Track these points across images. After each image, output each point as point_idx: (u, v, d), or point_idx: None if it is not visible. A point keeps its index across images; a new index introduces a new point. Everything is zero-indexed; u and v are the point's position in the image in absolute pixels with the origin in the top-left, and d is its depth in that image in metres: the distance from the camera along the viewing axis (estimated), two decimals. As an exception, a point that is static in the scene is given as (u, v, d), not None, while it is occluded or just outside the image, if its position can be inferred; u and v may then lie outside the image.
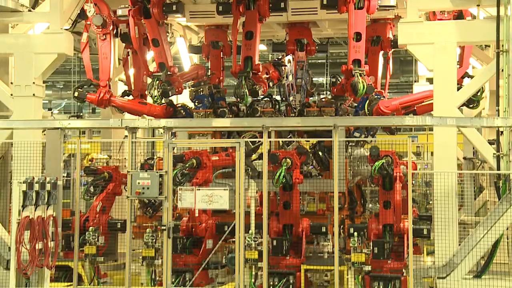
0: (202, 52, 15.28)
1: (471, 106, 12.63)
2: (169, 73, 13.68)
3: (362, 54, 12.84)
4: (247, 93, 12.88)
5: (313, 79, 15.89)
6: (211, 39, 15.09)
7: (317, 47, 15.07)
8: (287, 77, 13.72)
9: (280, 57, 15.01)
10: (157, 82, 13.57)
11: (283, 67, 14.26)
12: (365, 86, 12.63)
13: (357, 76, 12.58)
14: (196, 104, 14.17)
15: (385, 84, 15.15)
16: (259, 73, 13.29)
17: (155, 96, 13.56)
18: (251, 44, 13.05)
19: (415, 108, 12.92)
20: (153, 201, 13.20)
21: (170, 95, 13.76)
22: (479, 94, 12.38)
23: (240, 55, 13.44)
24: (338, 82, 14.34)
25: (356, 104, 13.47)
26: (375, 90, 13.31)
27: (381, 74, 14.83)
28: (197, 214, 11.78)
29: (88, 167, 13.51)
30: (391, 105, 12.81)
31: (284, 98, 14.38)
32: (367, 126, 13.07)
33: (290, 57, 14.59)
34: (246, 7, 13.05)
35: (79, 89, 14.04)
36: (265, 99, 14.14)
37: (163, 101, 13.90)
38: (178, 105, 14.37)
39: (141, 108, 14.03)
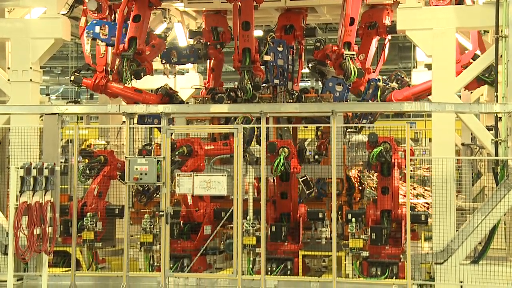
0: (203, 38, 15.18)
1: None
2: (138, 52, 13.15)
3: (353, 37, 12.86)
4: (251, 87, 12.86)
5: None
6: (211, 24, 15.00)
7: (304, 32, 15.00)
8: (267, 53, 13.47)
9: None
10: (127, 61, 12.97)
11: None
12: (356, 72, 12.65)
13: (348, 60, 12.58)
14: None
15: (376, 68, 15.16)
16: (257, 63, 13.27)
17: (126, 77, 13.04)
18: (248, 35, 12.99)
19: (427, 96, 12.88)
20: (147, 188, 13.16)
21: (142, 76, 13.41)
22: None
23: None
24: (322, 47, 14.32)
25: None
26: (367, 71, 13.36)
27: (371, 59, 14.79)
28: (190, 202, 11.78)
29: (85, 149, 13.45)
30: (403, 96, 12.77)
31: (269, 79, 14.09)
32: (366, 112, 13.08)
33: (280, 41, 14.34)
34: None
35: (76, 73, 13.91)
36: (264, 85, 14.09)
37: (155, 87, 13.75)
38: (175, 91, 14.28)
39: (136, 96, 13.85)
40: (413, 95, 12.85)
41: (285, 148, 11.40)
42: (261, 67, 13.37)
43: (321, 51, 14.11)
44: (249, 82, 12.82)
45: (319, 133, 14.44)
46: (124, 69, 12.95)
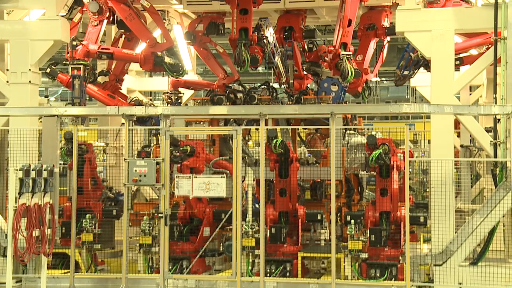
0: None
1: None
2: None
3: (350, 38, 12.90)
4: (248, 58, 12.61)
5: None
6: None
7: (304, 34, 15.00)
8: (273, 45, 13.39)
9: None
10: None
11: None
12: (353, 72, 12.67)
13: (345, 60, 12.59)
14: None
15: (374, 69, 15.20)
16: (254, 44, 13.04)
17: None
18: (246, 18, 12.79)
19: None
20: (114, 197, 13.11)
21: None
22: None
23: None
24: (315, 49, 14.33)
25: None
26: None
27: (369, 60, 14.82)
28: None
29: (69, 132, 13.03)
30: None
31: (268, 62, 13.90)
32: (364, 114, 13.12)
33: (271, 30, 14.20)
34: None
35: (53, 66, 13.78)
36: (262, 86, 14.09)
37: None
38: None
39: (108, 101, 13.85)
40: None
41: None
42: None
43: (314, 53, 14.17)
44: (246, 53, 12.59)
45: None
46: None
